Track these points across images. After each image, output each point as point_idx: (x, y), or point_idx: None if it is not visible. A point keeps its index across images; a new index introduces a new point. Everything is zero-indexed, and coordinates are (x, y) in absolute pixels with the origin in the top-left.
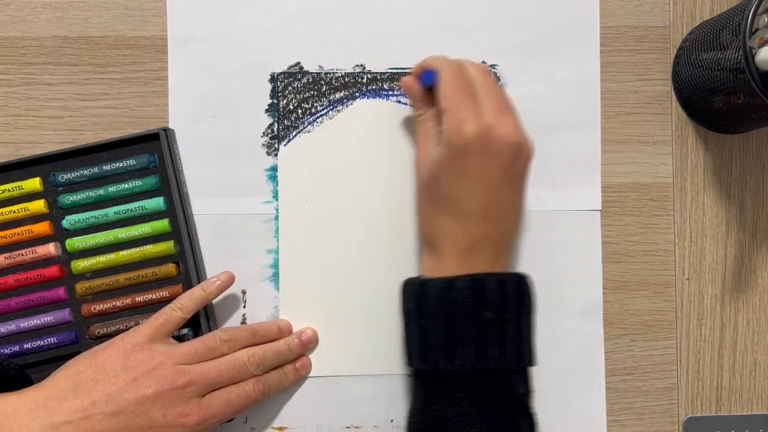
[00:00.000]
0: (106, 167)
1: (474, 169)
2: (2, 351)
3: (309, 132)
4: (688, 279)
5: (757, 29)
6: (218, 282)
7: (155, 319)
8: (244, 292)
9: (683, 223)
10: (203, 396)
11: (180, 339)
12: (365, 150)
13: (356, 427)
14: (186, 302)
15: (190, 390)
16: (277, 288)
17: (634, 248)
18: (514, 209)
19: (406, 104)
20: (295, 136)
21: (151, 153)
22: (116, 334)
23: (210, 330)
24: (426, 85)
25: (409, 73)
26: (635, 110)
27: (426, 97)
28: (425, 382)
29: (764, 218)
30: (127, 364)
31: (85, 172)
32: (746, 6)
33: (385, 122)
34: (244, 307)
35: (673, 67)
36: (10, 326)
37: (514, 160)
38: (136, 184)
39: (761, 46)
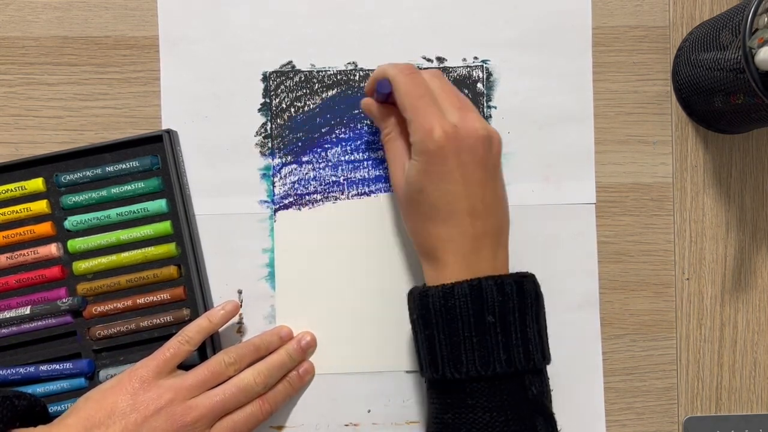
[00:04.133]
0: (109, 168)
1: (453, 170)
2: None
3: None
4: (687, 279)
5: (756, 29)
6: (223, 312)
7: (162, 353)
8: (240, 292)
9: (683, 223)
10: (212, 426)
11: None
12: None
13: (354, 425)
14: (192, 334)
15: (200, 425)
16: (273, 287)
17: (633, 248)
18: (501, 200)
19: None
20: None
21: (154, 155)
22: (117, 336)
23: (213, 344)
24: (382, 96)
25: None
26: (635, 110)
27: (387, 113)
28: (438, 390)
29: (764, 218)
30: (137, 405)
31: (88, 173)
32: (746, 6)
33: None
34: (241, 306)
35: (673, 67)
36: (11, 327)
37: (487, 153)
38: (139, 185)
39: (761, 46)
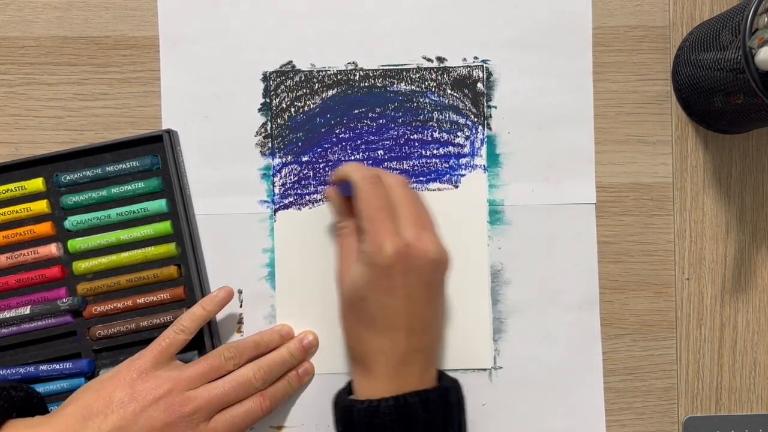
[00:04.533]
0: (109, 168)
1: (398, 287)
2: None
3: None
4: (687, 279)
5: (756, 29)
6: (217, 299)
7: (158, 343)
8: (240, 292)
9: (683, 223)
10: (210, 419)
11: (186, 361)
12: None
13: None
14: (187, 323)
15: (198, 416)
16: (273, 287)
17: (633, 248)
18: (438, 318)
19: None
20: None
21: (154, 155)
22: (117, 336)
23: (213, 345)
24: (345, 196)
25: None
26: (635, 110)
27: (348, 208)
28: None
29: (764, 218)
30: (135, 394)
31: (88, 173)
32: (746, 6)
33: None
34: (241, 306)
35: (673, 67)
36: (11, 327)
37: (434, 274)
38: (139, 185)
39: (761, 46)
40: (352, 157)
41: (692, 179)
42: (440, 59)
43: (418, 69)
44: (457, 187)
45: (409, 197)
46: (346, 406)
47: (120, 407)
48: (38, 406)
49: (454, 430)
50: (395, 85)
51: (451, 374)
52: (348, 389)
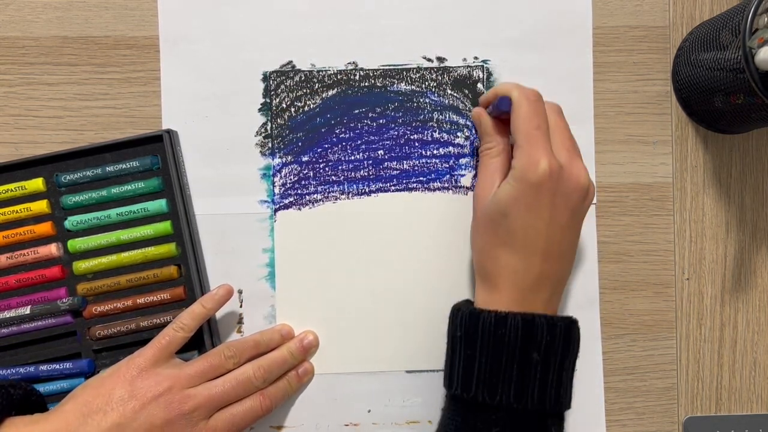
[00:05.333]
0: (109, 168)
1: (544, 207)
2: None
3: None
4: (687, 279)
5: (756, 29)
6: (217, 297)
7: (158, 341)
8: (240, 292)
9: (683, 223)
10: (210, 417)
11: (185, 360)
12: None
13: (354, 425)
14: (187, 321)
15: (198, 414)
16: (274, 287)
17: (633, 248)
18: (573, 249)
19: None
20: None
21: (155, 155)
22: (117, 336)
23: (213, 344)
24: (497, 111)
25: (483, 98)
26: (635, 110)
27: (495, 128)
28: (462, 408)
29: (764, 218)
30: (134, 392)
31: (88, 173)
32: (746, 6)
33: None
34: (241, 306)
35: (673, 67)
36: (11, 327)
37: (581, 202)
38: (139, 185)
39: (761, 46)
40: (352, 157)
41: (692, 179)
42: (440, 59)
43: (418, 69)
44: (457, 187)
45: (564, 124)
46: (472, 312)
47: (120, 405)
48: (37, 404)
49: (569, 366)
50: (395, 85)
51: None
52: (461, 305)
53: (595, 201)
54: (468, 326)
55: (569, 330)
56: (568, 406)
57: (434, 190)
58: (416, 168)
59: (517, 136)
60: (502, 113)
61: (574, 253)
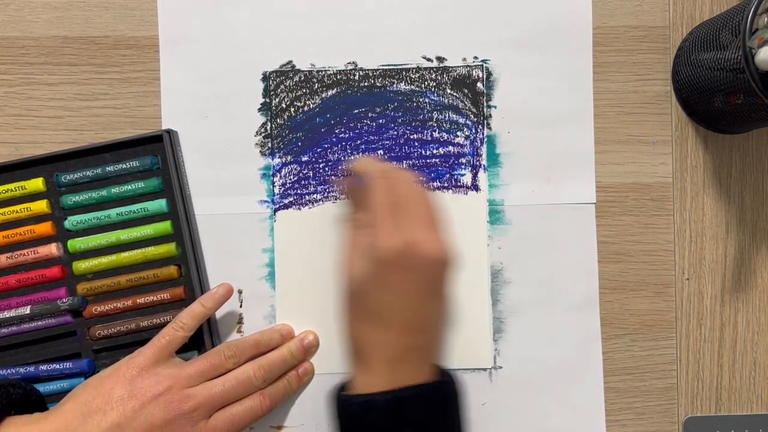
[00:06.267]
0: (109, 168)
1: (396, 284)
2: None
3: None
4: (687, 279)
5: (756, 29)
6: (216, 296)
7: (158, 340)
8: (240, 292)
9: (683, 223)
10: (210, 417)
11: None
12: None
13: None
14: (187, 320)
15: (197, 414)
16: (273, 287)
17: (633, 248)
18: (438, 318)
19: None
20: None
21: (155, 155)
22: (117, 336)
23: (213, 344)
24: (358, 188)
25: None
26: (635, 110)
27: (361, 200)
28: None
29: (764, 218)
30: (134, 391)
31: (88, 173)
32: (746, 6)
33: None
34: (241, 306)
35: (673, 67)
36: (11, 327)
37: (434, 274)
38: (139, 185)
39: (761, 46)
40: (352, 157)
41: (692, 179)
42: (440, 59)
43: (418, 69)
44: (457, 186)
45: (416, 195)
46: (342, 401)
47: (119, 404)
48: (37, 404)
49: (452, 424)
50: (395, 85)
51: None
52: (342, 387)
53: (594, 201)
54: (340, 414)
55: (441, 392)
56: None
57: (434, 189)
58: (416, 168)
59: (369, 214)
60: (361, 189)
61: (440, 322)
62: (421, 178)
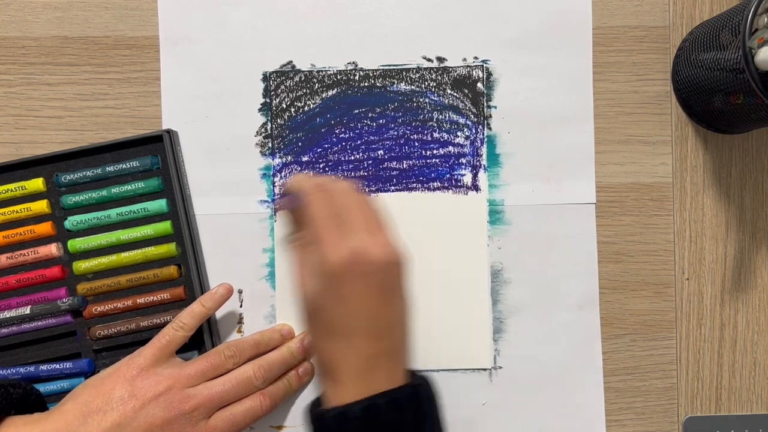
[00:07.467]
0: (109, 168)
1: (349, 294)
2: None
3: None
4: (687, 279)
5: (756, 29)
6: (216, 296)
7: (158, 340)
8: (240, 292)
9: (683, 223)
10: (210, 416)
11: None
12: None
13: None
14: (187, 320)
15: (197, 414)
16: (274, 287)
17: (633, 248)
18: (399, 320)
19: None
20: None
21: (155, 155)
22: (117, 336)
23: (213, 344)
24: (295, 207)
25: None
26: (635, 110)
27: (300, 219)
28: None
29: (764, 218)
30: (134, 392)
31: (88, 173)
32: (746, 6)
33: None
34: (241, 306)
35: (673, 67)
36: (11, 327)
37: (385, 277)
38: (139, 185)
39: (761, 46)
40: (352, 157)
41: (692, 179)
42: (440, 59)
43: (418, 69)
44: (457, 186)
45: (355, 202)
46: (317, 416)
47: (119, 404)
48: (37, 404)
49: (431, 426)
50: (395, 85)
51: (450, 374)
52: (316, 402)
53: (594, 201)
54: (316, 430)
55: (415, 395)
56: None
57: (434, 189)
58: (416, 168)
59: (309, 230)
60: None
61: (403, 324)
62: (359, 184)
